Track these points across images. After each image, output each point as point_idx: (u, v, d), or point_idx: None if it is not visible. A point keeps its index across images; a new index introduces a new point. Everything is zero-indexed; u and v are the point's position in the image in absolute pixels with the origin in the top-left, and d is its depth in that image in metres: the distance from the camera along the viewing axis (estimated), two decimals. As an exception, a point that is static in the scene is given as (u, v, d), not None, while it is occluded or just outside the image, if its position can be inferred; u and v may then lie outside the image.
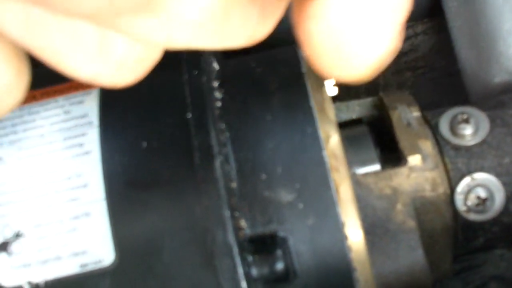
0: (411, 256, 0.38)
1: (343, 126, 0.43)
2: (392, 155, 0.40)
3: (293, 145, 0.35)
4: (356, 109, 0.43)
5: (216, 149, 0.33)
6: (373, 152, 0.41)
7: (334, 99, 0.42)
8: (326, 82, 0.42)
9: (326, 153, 0.34)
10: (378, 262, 0.38)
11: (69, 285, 0.33)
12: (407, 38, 0.57)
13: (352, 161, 0.40)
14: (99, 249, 0.33)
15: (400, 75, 0.56)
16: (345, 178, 0.34)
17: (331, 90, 0.43)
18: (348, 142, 0.41)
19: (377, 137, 0.42)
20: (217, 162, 0.33)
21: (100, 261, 0.32)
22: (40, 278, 0.33)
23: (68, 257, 0.33)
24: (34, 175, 0.34)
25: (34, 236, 0.33)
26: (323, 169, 0.34)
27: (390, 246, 0.38)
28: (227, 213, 0.32)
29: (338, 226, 0.34)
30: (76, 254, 0.33)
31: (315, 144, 0.35)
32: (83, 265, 0.33)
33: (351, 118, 0.44)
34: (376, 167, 0.40)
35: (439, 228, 0.39)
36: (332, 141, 0.35)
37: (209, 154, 0.33)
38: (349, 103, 0.43)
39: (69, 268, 0.33)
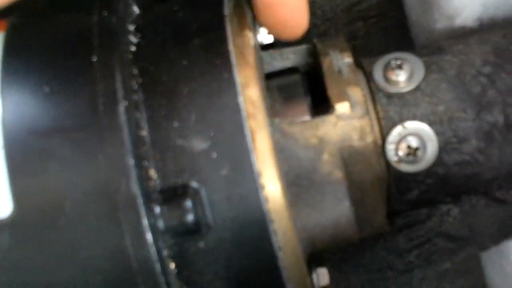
0: (337, 208, 0.36)
1: (277, 75, 0.41)
2: (323, 105, 0.38)
3: (208, 91, 0.33)
4: (291, 57, 0.41)
5: (120, 94, 0.31)
6: (303, 102, 0.39)
7: (270, 46, 0.40)
8: (256, 28, 0.40)
9: (242, 99, 0.32)
10: (303, 214, 0.36)
11: (-36, 237, 0.31)
12: (358, -12, 0.55)
13: (279, 111, 0.38)
14: (-4, 200, 0.31)
15: (351, 25, 0.54)
16: (263, 126, 0.33)
17: (266, 37, 0.41)
18: (279, 92, 0.40)
19: (313, 87, 0.40)
20: (122, 108, 0.31)
21: (-3, 213, 0.31)
22: None
23: (-37, 208, 0.31)
24: None
25: None
26: (239, 116, 0.32)
27: (315, 198, 0.36)
28: (131, 162, 0.31)
29: (253, 176, 0.32)
30: None
31: (231, 90, 0.33)
32: None
33: (286, 66, 0.42)
34: (305, 117, 0.38)
35: (369, 179, 0.37)
36: (250, 87, 0.33)
37: (113, 100, 0.31)
38: (283, 51, 0.41)
39: (-37, 219, 0.31)
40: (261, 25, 0.37)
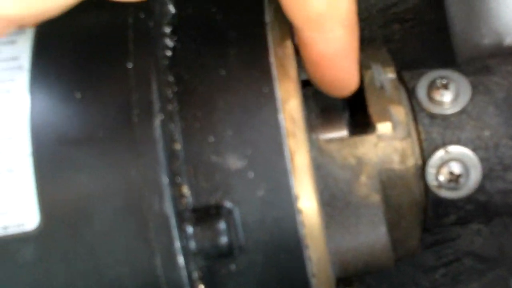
0: (373, 233, 0.34)
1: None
2: (362, 120, 0.36)
3: (247, 106, 0.31)
4: (329, 65, 0.40)
5: (157, 106, 0.30)
6: (341, 115, 0.37)
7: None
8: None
9: (282, 116, 0.31)
10: (336, 236, 0.34)
11: (-12, 247, 0.30)
12: (395, -13, 0.53)
13: (316, 124, 0.36)
14: (22, 211, 0.29)
15: (387, 27, 0.52)
16: (302, 145, 0.31)
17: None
18: (316, 101, 0.38)
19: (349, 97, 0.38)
20: (157, 121, 0.30)
21: (22, 224, 0.29)
22: (-44, 239, 0.30)
23: (-12, 217, 0.29)
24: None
25: (-49, 192, 0.30)
26: (278, 134, 0.31)
27: (350, 221, 0.34)
28: (165, 180, 0.29)
29: (290, 199, 0.30)
30: None
31: (271, 105, 0.31)
32: (4, 227, 0.29)
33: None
34: (343, 132, 0.36)
35: (406, 203, 0.36)
36: (291, 103, 0.31)
37: (149, 112, 0.30)
38: (321, 59, 0.39)
39: (-12, 229, 0.29)
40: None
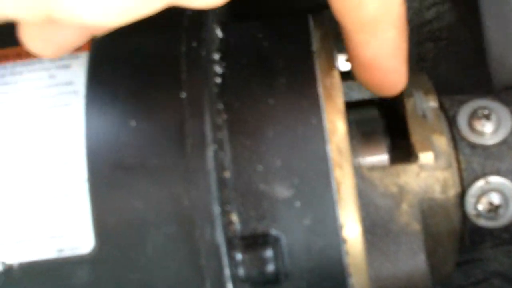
0: (412, 261, 0.35)
1: (353, 106, 0.40)
2: (402, 146, 0.37)
3: (295, 136, 0.32)
4: (369, 89, 0.40)
5: (210, 137, 0.30)
6: (382, 141, 0.38)
7: (347, 74, 0.39)
8: (338, 60, 0.39)
9: (330, 148, 0.32)
10: (376, 263, 0.35)
11: (44, 269, 0.30)
12: (432, 5, 0.53)
13: (358, 149, 0.37)
14: (77, 234, 0.30)
15: (421, 46, 0.52)
16: (348, 176, 0.32)
17: (344, 65, 0.40)
18: (358, 126, 0.38)
19: (389, 121, 0.39)
20: (210, 152, 0.30)
21: (78, 248, 0.30)
22: (14, 259, 0.30)
23: (44, 240, 0.30)
24: (12, 145, 0.31)
25: (8, 214, 0.31)
26: (325, 165, 0.31)
27: (390, 248, 0.35)
28: (217, 209, 0.30)
29: (336, 229, 0.31)
30: (52, 237, 0.30)
31: (319, 136, 0.32)
32: (59, 250, 0.30)
33: (363, 98, 0.40)
34: (384, 157, 0.37)
35: (445, 231, 0.36)
36: (338, 134, 0.32)
37: (202, 142, 0.30)
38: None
39: (44, 251, 0.30)
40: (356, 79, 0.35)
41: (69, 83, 0.32)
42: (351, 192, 0.32)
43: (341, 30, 0.33)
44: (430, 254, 0.36)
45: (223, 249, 0.30)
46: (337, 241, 0.31)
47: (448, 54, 0.52)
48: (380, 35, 0.31)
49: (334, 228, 0.31)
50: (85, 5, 0.23)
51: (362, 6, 0.30)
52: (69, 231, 0.30)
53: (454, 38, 0.52)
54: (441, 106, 0.39)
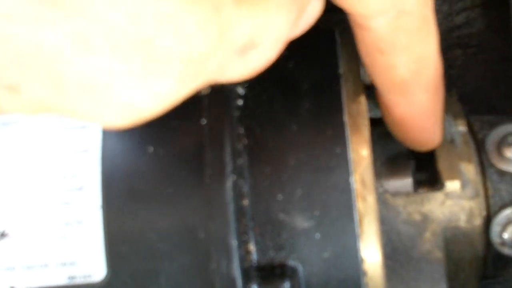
0: None
1: (378, 123, 0.39)
2: (428, 170, 0.36)
3: (317, 165, 0.31)
4: (395, 106, 0.39)
5: (229, 166, 0.29)
6: (406, 163, 0.36)
7: (370, 89, 0.38)
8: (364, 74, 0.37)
9: (353, 179, 0.30)
10: None
11: (54, 296, 0.30)
12: (462, 9, 0.51)
13: (381, 171, 0.36)
14: (89, 262, 0.29)
15: (449, 52, 0.51)
16: (372, 209, 0.31)
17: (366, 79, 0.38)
18: (380, 149, 0.37)
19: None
20: (229, 182, 0.29)
21: (89, 276, 0.29)
22: (24, 285, 0.30)
23: (56, 266, 0.30)
24: (25, 169, 0.30)
25: (20, 238, 0.30)
26: (348, 198, 0.30)
27: (411, 276, 0.34)
28: (234, 243, 0.29)
29: (356, 263, 0.30)
30: (64, 264, 0.30)
31: (343, 167, 0.30)
32: (71, 277, 0.30)
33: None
34: (408, 181, 0.35)
35: (468, 258, 0.35)
36: (363, 165, 0.31)
37: (221, 172, 0.29)
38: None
39: (55, 278, 0.30)
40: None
41: None
42: (374, 226, 0.31)
43: (376, 92, 0.32)
44: (452, 278, 0.35)
45: (239, 282, 0.29)
46: (357, 275, 0.30)
47: (477, 62, 0.50)
48: (411, 98, 0.30)
49: (354, 262, 0.30)
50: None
51: (393, 69, 0.29)
52: (81, 258, 0.30)
53: (484, 46, 0.50)
54: (470, 128, 0.37)
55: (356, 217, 0.30)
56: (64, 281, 0.30)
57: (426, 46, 0.28)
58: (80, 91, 0.18)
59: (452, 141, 0.35)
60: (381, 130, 0.38)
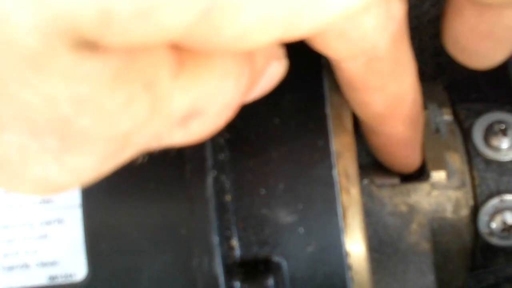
0: (420, 281, 0.34)
1: None
2: None
3: (300, 159, 0.30)
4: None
5: (210, 161, 0.29)
6: None
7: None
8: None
9: (336, 172, 0.30)
10: (383, 283, 0.34)
11: (36, 297, 0.29)
12: (450, -5, 0.50)
13: (367, 163, 0.36)
14: (70, 262, 0.29)
15: (437, 39, 0.50)
16: (356, 202, 0.30)
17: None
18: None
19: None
20: (210, 178, 0.29)
21: (70, 275, 0.29)
22: (4, 286, 0.29)
23: (36, 267, 0.29)
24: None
25: (0, 238, 0.29)
26: (331, 191, 0.30)
27: (398, 268, 0.34)
28: (216, 240, 0.29)
29: (341, 257, 0.30)
30: (44, 264, 0.29)
31: (326, 160, 0.30)
32: (52, 277, 0.29)
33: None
34: (395, 180, 0.35)
35: (455, 249, 0.35)
36: (346, 158, 0.30)
37: (202, 167, 0.29)
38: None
39: (36, 278, 0.29)
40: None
41: None
42: (358, 219, 0.30)
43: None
44: (440, 269, 0.35)
45: (221, 279, 0.29)
46: (342, 269, 0.30)
47: (466, 48, 0.50)
48: (388, 129, 0.30)
49: (339, 255, 0.30)
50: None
51: (368, 105, 0.29)
52: (62, 258, 0.29)
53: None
54: (456, 117, 0.37)
55: (340, 210, 0.30)
56: (45, 281, 0.29)
57: (401, 85, 0.28)
58: None
59: (437, 131, 0.35)
60: None
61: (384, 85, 0.27)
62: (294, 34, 0.18)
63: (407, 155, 0.32)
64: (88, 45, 0.15)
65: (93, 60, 0.15)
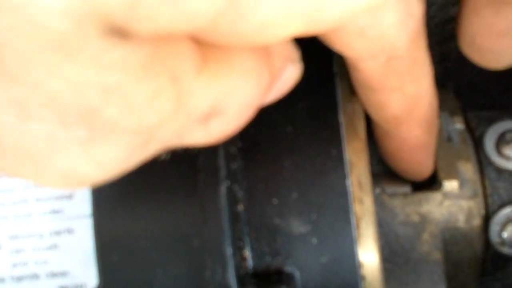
0: None
1: None
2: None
3: (313, 168, 0.30)
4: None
5: (223, 171, 0.29)
6: None
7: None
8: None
9: (350, 182, 0.30)
10: None
11: (45, 308, 0.29)
12: (457, 1, 0.50)
13: (378, 171, 0.35)
14: (80, 272, 0.29)
15: (444, 44, 0.50)
16: (369, 211, 0.30)
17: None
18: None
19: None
20: (223, 188, 0.28)
21: (81, 286, 0.29)
22: (14, 296, 0.29)
23: (46, 277, 0.29)
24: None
25: (10, 248, 0.29)
26: (345, 201, 0.29)
27: (409, 277, 0.34)
28: (229, 250, 0.28)
29: (354, 268, 0.30)
30: (54, 275, 0.29)
31: (339, 170, 0.30)
32: None
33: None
34: (405, 182, 0.35)
35: (466, 258, 0.35)
36: (359, 167, 0.30)
37: (215, 177, 0.29)
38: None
39: (46, 289, 0.29)
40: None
41: None
42: (371, 228, 0.30)
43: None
44: (450, 279, 0.35)
45: None
46: (355, 280, 0.30)
47: (473, 54, 0.49)
48: (404, 132, 0.30)
49: (352, 266, 0.30)
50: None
51: (385, 107, 0.28)
52: (72, 268, 0.29)
53: (479, 37, 0.49)
54: (467, 125, 0.37)
55: (353, 220, 0.29)
56: (55, 292, 0.29)
57: (419, 86, 0.28)
58: (19, 156, 0.17)
59: (449, 139, 0.35)
60: None
61: (402, 85, 0.27)
62: (317, 26, 0.18)
63: (421, 161, 0.32)
64: (118, 32, 0.15)
65: (123, 48, 0.15)
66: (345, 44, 0.24)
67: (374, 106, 0.28)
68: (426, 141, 0.30)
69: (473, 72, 0.50)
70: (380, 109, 0.28)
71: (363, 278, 0.30)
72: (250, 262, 0.29)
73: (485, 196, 0.35)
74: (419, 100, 0.28)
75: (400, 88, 0.27)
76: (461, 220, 0.34)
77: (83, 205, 0.29)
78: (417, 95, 0.28)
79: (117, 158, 0.18)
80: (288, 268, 0.30)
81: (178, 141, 0.20)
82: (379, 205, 0.34)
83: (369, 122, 0.36)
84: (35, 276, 0.29)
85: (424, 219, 0.33)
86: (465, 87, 0.49)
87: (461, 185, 0.34)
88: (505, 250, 0.35)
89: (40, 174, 0.18)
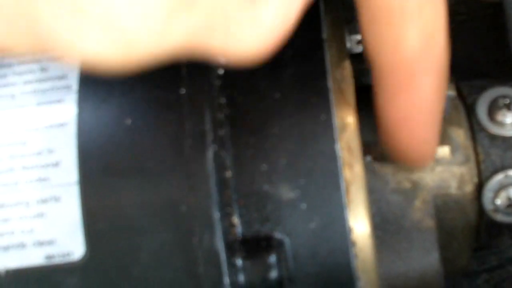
0: (425, 259, 0.33)
1: (364, 91, 0.38)
2: None
3: (302, 133, 0.30)
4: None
5: (210, 136, 0.28)
6: None
7: (358, 56, 0.37)
8: (350, 42, 0.36)
9: (339, 147, 0.29)
10: (387, 261, 0.33)
11: (32, 277, 0.29)
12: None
13: (369, 139, 0.35)
14: (67, 241, 0.28)
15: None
16: (359, 176, 0.30)
17: (355, 47, 0.37)
18: (368, 114, 0.36)
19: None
20: (210, 153, 0.28)
21: (68, 254, 0.28)
22: (0, 266, 0.29)
23: (33, 246, 0.29)
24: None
25: (-5, 217, 0.29)
26: (334, 165, 0.29)
27: (401, 245, 0.33)
28: (216, 215, 0.28)
29: (344, 232, 0.29)
30: (41, 244, 0.29)
31: (328, 134, 0.29)
32: (48, 257, 0.29)
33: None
34: None
35: (460, 226, 0.35)
36: (348, 131, 0.30)
37: (201, 143, 0.28)
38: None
39: (33, 258, 0.29)
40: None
41: (62, 77, 0.30)
42: (361, 194, 0.30)
43: (373, 81, 0.30)
44: (444, 248, 0.34)
45: (223, 255, 0.28)
46: (345, 245, 0.29)
47: (466, 30, 0.49)
48: (417, 82, 0.28)
49: (342, 231, 0.29)
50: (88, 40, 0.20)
51: (401, 44, 0.26)
52: (58, 237, 0.28)
53: (473, 14, 0.49)
54: (459, 93, 0.36)
55: (343, 185, 0.29)
56: (41, 261, 0.29)
57: (437, 12, 0.26)
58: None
59: (441, 106, 0.34)
60: (369, 97, 0.37)
61: (421, 7, 0.26)
62: None
63: (426, 138, 0.30)
64: None
65: None
66: None
67: (388, 45, 0.27)
68: (438, 96, 0.28)
69: (466, 47, 0.50)
70: (396, 46, 0.27)
71: (353, 243, 0.29)
72: (239, 229, 0.29)
73: (478, 163, 0.34)
74: (436, 35, 0.27)
75: (419, 12, 0.26)
76: (453, 187, 0.33)
77: (70, 173, 0.29)
78: (434, 28, 0.26)
79: (163, 20, 0.20)
80: (278, 235, 0.29)
81: (226, 38, 0.21)
82: (370, 172, 0.33)
83: (368, 96, 0.36)
84: (21, 245, 0.29)
85: (416, 186, 0.33)
86: (458, 61, 0.49)
87: (453, 151, 0.33)
88: (499, 217, 0.34)
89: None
